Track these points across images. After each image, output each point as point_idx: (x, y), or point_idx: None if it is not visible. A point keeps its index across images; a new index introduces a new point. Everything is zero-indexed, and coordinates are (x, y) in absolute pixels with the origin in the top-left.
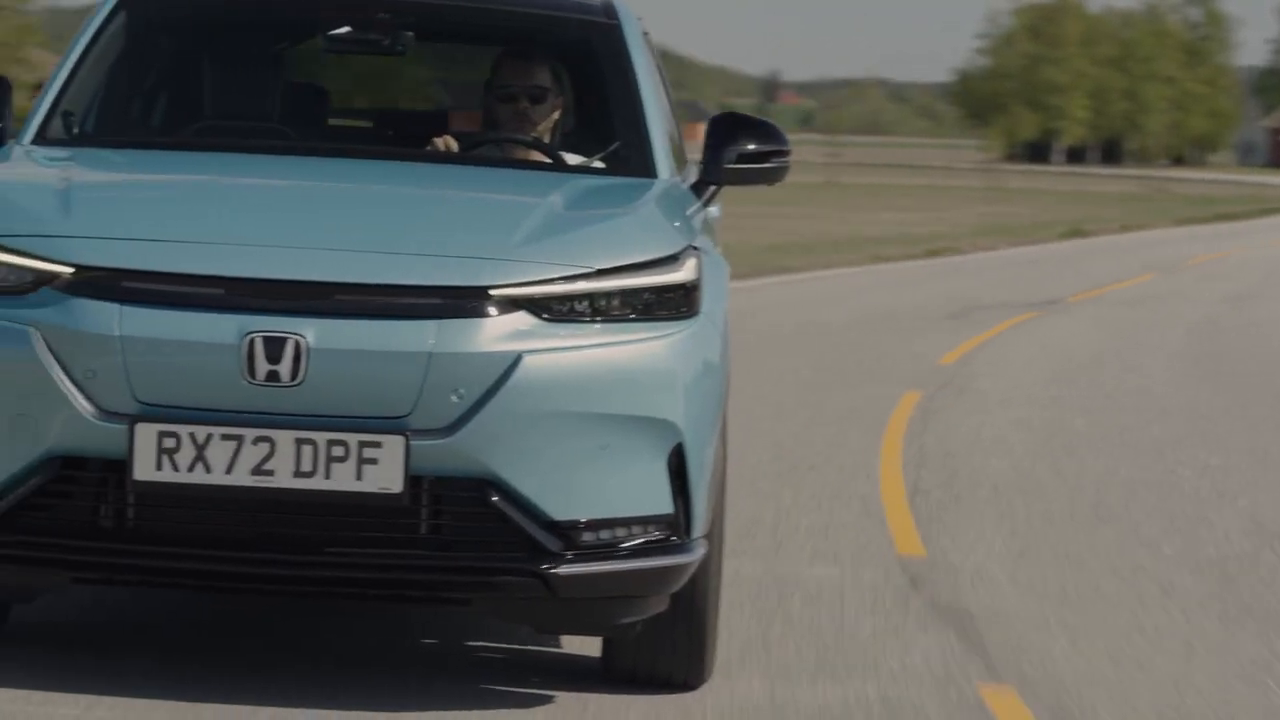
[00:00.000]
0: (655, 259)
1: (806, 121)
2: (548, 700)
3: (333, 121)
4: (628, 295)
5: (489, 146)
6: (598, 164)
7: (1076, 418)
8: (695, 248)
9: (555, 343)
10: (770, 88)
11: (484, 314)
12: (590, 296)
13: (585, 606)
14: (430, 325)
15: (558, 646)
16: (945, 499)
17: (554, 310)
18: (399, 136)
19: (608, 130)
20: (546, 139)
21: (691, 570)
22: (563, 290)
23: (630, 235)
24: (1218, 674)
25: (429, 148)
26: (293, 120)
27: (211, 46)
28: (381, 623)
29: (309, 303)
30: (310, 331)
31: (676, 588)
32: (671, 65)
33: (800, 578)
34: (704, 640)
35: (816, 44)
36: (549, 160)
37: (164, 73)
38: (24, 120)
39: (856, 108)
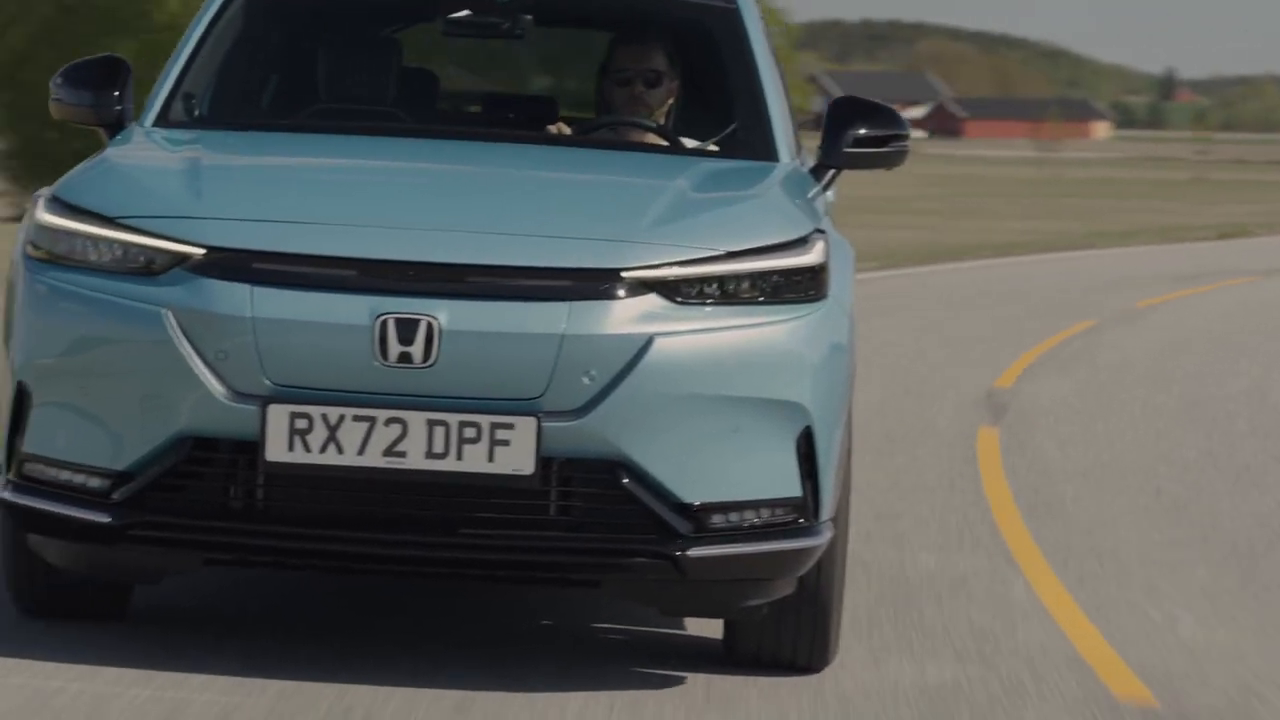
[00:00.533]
0: (784, 242)
1: (1200, 119)
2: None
3: (442, 106)
4: (757, 278)
5: (605, 130)
6: (712, 147)
7: (1202, 340)
8: (822, 230)
9: (686, 325)
10: (1167, 85)
11: (615, 296)
12: (720, 279)
13: (713, 589)
14: (562, 307)
15: (681, 629)
16: (1051, 369)
17: (684, 293)
18: (508, 121)
19: (723, 113)
20: (661, 122)
21: (819, 553)
22: (693, 273)
23: (759, 218)
24: (1127, 426)
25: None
26: (405, 104)
27: (328, 29)
28: (508, 605)
29: (441, 284)
30: (442, 313)
31: (804, 571)
32: (1068, 64)
33: (920, 390)
34: (828, 624)
35: (1213, 41)
36: (666, 143)
37: (281, 55)
38: (145, 103)
39: (1253, 104)
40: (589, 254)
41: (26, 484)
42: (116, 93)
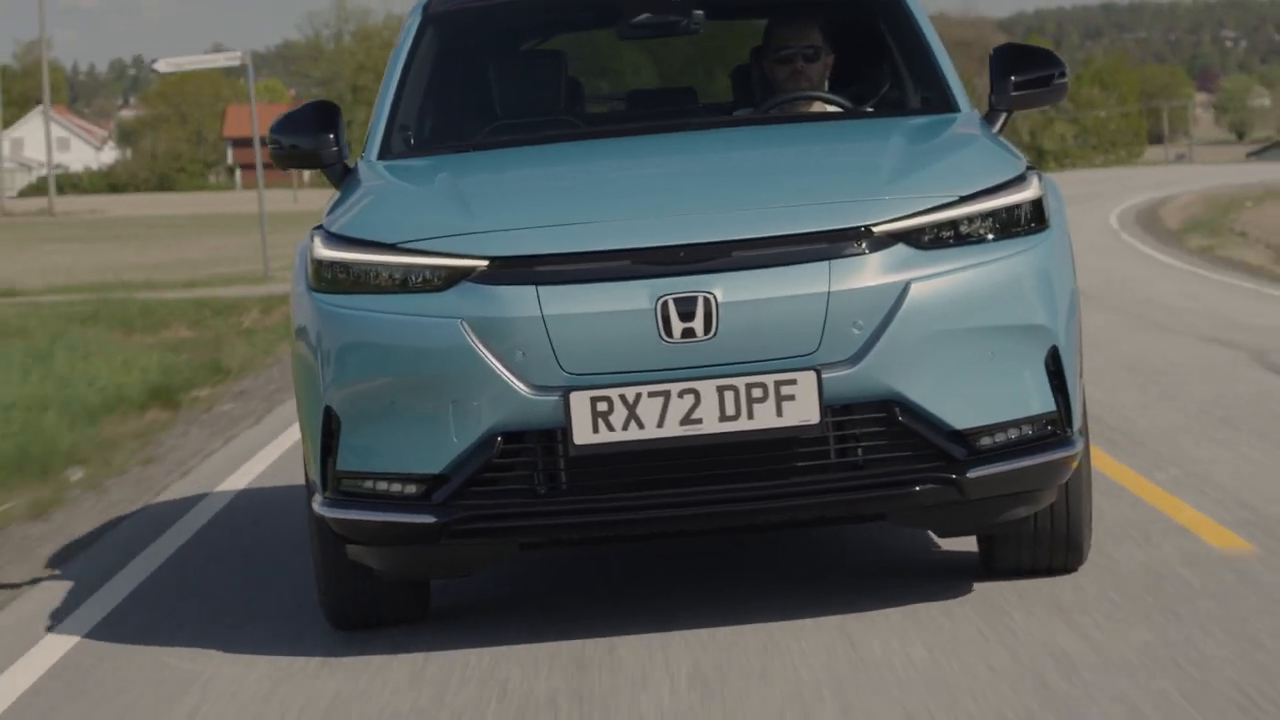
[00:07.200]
0: (1006, 181)
1: None
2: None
3: (591, 109)
4: (987, 217)
5: (774, 108)
6: (868, 109)
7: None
8: (1033, 167)
9: (935, 268)
10: None
11: (869, 250)
12: (956, 222)
13: (989, 505)
14: (823, 266)
15: (936, 549)
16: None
17: (927, 239)
18: (701, 110)
19: (874, 77)
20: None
21: (1077, 461)
22: (934, 220)
23: (979, 163)
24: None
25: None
26: (569, 111)
27: (509, 46)
28: (769, 550)
29: (712, 262)
30: (717, 287)
31: (1066, 479)
32: None
33: None
34: (1081, 527)
35: None
36: (840, 110)
37: (472, 76)
38: (365, 141)
39: None
40: (840, 215)
41: (345, 498)
42: (332, 134)
